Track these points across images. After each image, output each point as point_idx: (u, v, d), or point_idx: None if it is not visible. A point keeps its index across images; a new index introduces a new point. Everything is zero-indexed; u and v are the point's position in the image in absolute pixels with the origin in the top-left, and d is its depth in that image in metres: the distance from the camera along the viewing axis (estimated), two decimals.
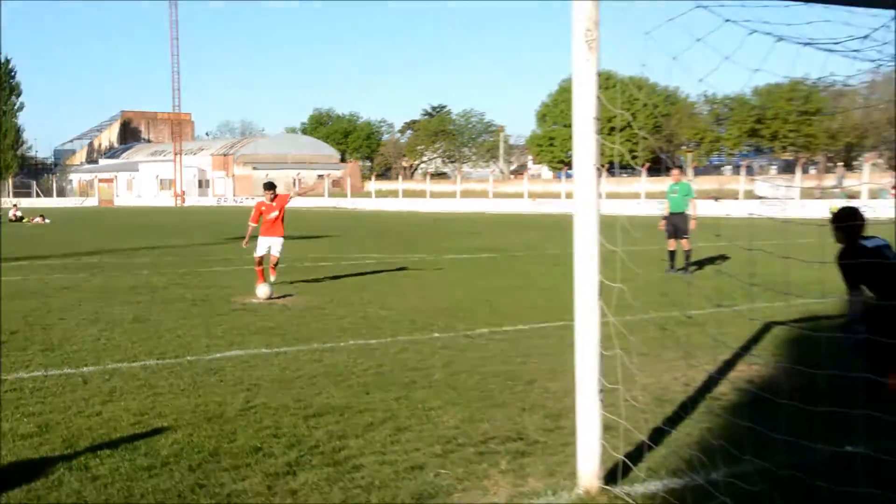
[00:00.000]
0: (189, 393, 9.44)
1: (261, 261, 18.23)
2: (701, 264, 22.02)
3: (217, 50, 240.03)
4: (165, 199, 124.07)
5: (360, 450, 7.41)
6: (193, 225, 53.31)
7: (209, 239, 37.03)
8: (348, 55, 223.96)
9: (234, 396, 9.25)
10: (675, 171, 22.95)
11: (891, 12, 4.49)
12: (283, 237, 18.42)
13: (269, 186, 18.47)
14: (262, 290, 16.94)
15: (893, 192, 46.37)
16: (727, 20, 4.96)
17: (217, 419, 8.34)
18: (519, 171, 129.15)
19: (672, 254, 21.08)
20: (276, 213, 18.29)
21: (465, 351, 11.72)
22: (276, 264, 18.46)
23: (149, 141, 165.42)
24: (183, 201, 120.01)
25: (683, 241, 20.88)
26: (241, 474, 6.84)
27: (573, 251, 6.25)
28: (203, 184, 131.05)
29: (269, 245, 18.27)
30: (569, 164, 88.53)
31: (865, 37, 4.58)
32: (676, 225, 21.03)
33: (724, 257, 23.68)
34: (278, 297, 16.98)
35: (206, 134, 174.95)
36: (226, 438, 7.73)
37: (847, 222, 9.30)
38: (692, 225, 20.93)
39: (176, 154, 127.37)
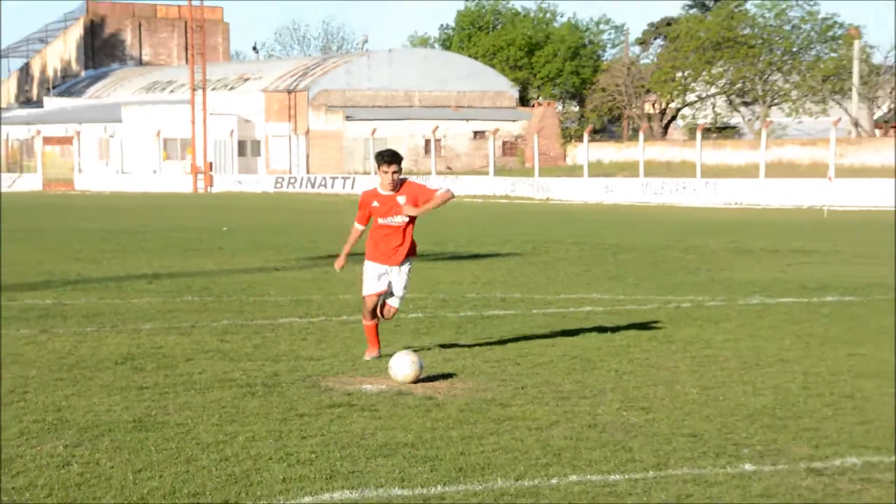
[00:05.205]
0: None
1: (374, 307, 11.25)
2: None
3: None
4: (175, 179, 77.12)
5: None
6: (236, 232, 32.37)
7: (269, 260, 22.94)
8: None
9: None
10: None
11: None
12: (411, 259, 11.45)
13: (391, 158, 11.06)
14: (399, 367, 10.15)
15: None
16: None
17: None
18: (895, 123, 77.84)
19: None
20: (403, 218, 11.16)
21: None
22: (393, 315, 11.56)
23: (141, 62, 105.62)
24: (209, 183, 75.31)
25: None
26: None
27: None
28: (248, 148, 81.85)
29: (388, 277, 11.26)
30: None
31: None
32: None
33: None
34: (426, 379, 10.19)
35: (255, 49, 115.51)
36: None
37: None
38: None
39: (195, 89, 76.42)
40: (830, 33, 79.08)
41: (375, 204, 11.13)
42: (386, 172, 10.97)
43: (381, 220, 11.14)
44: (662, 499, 6.68)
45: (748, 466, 7.38)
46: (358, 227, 11.36)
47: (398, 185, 11.04)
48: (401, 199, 11.03)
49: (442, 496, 6.69)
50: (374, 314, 11.24)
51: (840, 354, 11.62)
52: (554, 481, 7.02)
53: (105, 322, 13.87)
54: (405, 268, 11.27)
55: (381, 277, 11.18)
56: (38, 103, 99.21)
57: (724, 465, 7.40)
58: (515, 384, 10.02)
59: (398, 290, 11.28)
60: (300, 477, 7.09)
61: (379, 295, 11.19)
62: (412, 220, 11.14)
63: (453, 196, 11.41)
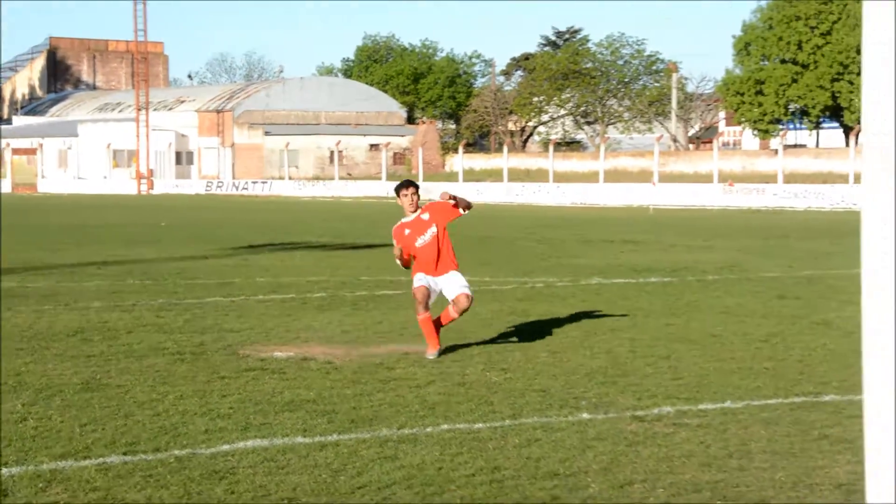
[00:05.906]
0: None
1: (425, 299, 9.64)
2: None
3: None
4: (122, 183, 75.12)
5: None
6: (172, 226, 31.86)
7: (199, 250, 22.13)
8: None
9: None
10: None
11: None
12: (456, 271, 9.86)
13: (407, 183, 9.99)
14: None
15: None
16: None
17: None
18: (704, 139, 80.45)
19: None
20: (433, 230, 9.72)
21: None
22: (468, 303, 9.75)
23: (94, 87, 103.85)
24: (151, 186, 73.57)
25: None
26: None
27: None
28: (183, 157, 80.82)
29: (435, 284, 9.79)
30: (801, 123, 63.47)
31: None
32: None
33: None
34: (327, 348, 9.95)
35: (189, 77, 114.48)
36: None
37: None
38: None
39: (139, 109, 75.05)
40: (654, 67, 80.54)
41: (407, 231, 9.73)
42: (405, 195, 9.71)
43: (417, 244, 9.68)
44: (516, 442, 6.69)
45: (585, 415, 7.39)
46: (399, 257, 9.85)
47: (418, 206, 9.78)
48: (425, 216, 9.72)
49: (337, 443, 6.61)
50: (426, 306, 9.59)
51: (659, 324, 11.72)
52: (429, 430, 6.97)
53: (60, 301, 13.43)
54: (451, 274, 9.76)
55: (428, 281, 9.67)
56: (8, 121, 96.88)
57: (567, 415, 7.42)
58: (399, 351, 9.97)
59: (457, 285, 9.70)
60: (220, 429, 6.95)
61: (427, 287, 9.63)
62: (442, 229, 9.76)
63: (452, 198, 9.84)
